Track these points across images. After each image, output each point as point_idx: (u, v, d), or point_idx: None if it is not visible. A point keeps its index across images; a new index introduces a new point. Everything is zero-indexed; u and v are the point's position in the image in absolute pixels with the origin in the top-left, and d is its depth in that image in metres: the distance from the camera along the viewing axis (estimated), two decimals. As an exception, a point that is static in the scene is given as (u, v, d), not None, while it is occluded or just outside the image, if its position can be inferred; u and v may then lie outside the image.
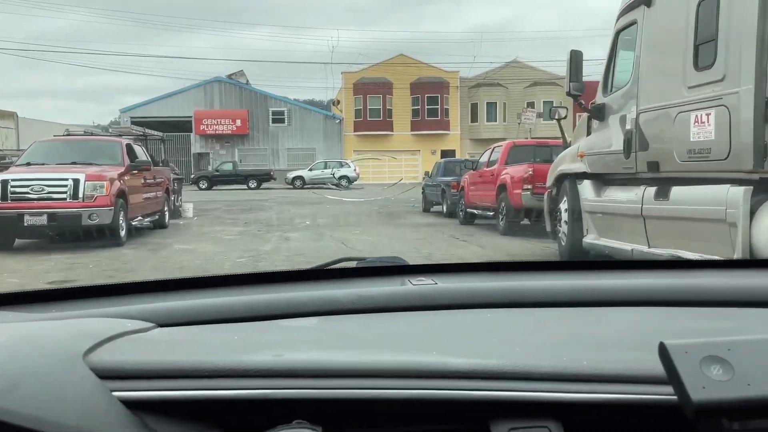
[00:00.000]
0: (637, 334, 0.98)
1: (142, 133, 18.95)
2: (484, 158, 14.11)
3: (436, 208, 19.79)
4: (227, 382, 0.78)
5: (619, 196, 6.68)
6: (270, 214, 18.87)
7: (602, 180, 7.24)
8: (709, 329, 0.99)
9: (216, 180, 36.29)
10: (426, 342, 0.95)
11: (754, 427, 0.68)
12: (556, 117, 9.06)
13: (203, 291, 1.21)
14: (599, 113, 7.21)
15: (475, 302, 1.12)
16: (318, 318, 1.06)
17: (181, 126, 41.50)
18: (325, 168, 37.22)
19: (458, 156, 42.54)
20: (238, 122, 41.87)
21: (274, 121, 42.85)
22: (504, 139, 44.07)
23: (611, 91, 7.07)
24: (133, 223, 11.19)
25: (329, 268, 1.39)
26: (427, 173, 20.40)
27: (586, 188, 7.38)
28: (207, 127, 41.74)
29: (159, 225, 13.24)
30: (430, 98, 42.49)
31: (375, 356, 0.86)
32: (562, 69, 14.28)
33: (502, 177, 12.03)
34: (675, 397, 0.68)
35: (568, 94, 7.21)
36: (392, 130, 42.87)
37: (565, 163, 8.19)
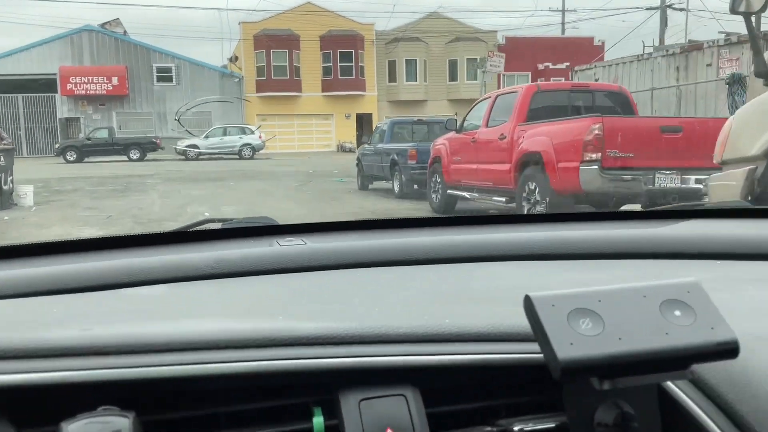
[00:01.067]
0: (508, 290, 0.92)
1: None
2: (478, 114, 9.35)
3: (378, 184, 15.11)
4: (16, 364, 0.68)
5: None
6: (151, 199, 13.47)
7: None
8: (582, 282, 0.91)
9: (88, 150, 29.95)
10: (280, 307, 0.89)
11: (625, 385, 0.63)
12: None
13: (39, 259, 1.09)
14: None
15: (346, 262, 1.07)
16: (168, 285, 0.99)
17: (43, 86, 34.52)
18: (224, 135, 31.58)
19: (375, 120, 38.01)
20: (115, 80, 35.05)
21: (160, 79, 36.31)
22: (425, 102, 39.90)
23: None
24: None
25: (190, 230, 1.29)
26: (366, 138, 15.59)
27: None
28: (76, 87, 34.73)
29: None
30: (342, 54, 37.34)
31: (208, 325, 0.77)
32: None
33: (531, 142, 7.46)
34: (541, 354, 0.63)
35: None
36: (301, 91, 37.50)
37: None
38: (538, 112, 7.94)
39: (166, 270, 1.01)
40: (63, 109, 35.30)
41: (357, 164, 15.79)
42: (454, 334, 0.75)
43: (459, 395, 0.76)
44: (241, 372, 0.70)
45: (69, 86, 34.62)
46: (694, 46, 13.58)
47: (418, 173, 12.28)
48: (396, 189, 13.25)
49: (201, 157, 30.46)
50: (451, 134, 10.06)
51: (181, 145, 31.19)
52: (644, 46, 24.98)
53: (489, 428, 0.74)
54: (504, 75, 40.27)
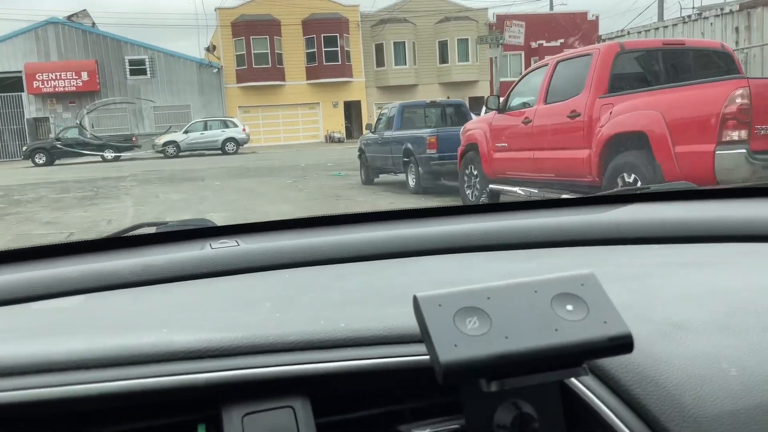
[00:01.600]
0: (427, 285, 0.83)
1: None
2: (528, 88, 7.38)
3: (385, 177, 13.22)
4: None
5: None
6: (124, 208, 11.45)
7: None
8: (513, 273, 0.93)
9: (58, 152, 27.83)
10: (183, 316, 0.85)
11: (513, 386, 0.60)
12: None
13: None
14: None
15: (277, 262, 1.05)
16: (85, 296, 0.96)
17: (8, 85, 32.16)
18: (205, 129, 29.43)
19: (364, 108, 36.04)
20: (85, 76, 32.69)
21: (133, 72, 33.96)
22: (415, 87, 37.78)
23: None
24: None
25: (121, 236, 1.26)
26: (369, 126, 13.65)
27: None
28: (43, 84, 32.38)
29: None
30: (327, 39, 35.20)
31: (80, 343, 0.72)
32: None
33: (625, 119, 5.55)
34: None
35: None
36: (284, 80, 35.33)
37: None
38: (620, 79, 6.04)
39: (88, 279, 0.98)
40: (31, 109, 32.97)
41: (359, 155, 13.86)
42: (347, 339, 0.72)
43: (358, 402, 0.72)
44: (107, 393, 0.66)
45: (36, 84, 32.28)
46: (759, 2, 11.72)
47: (438, 164, 10.39)
48: (411, 183, 11.36)
49: (181, 154, 28.45)
50: (490, 115, 8.13)
51: (160, 141, 29.02)
52: (682, 8, 22.95)
53: None
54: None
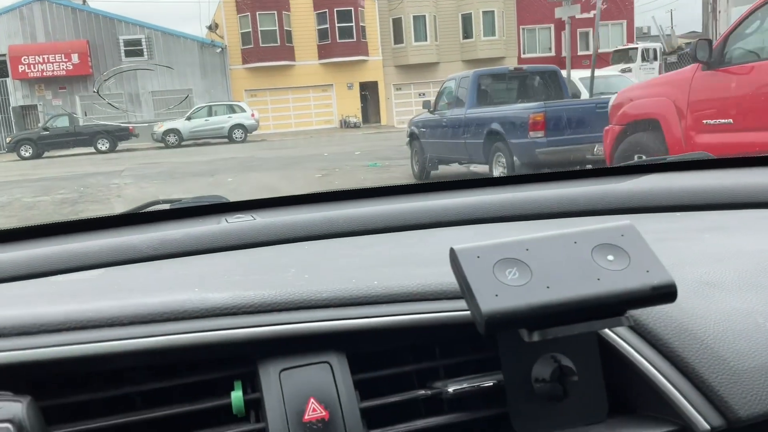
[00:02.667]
0: (443, 253, 0.84)
1: None
2: (755, 37, 4.44)
3: (445, 169, 10.33)
4: None
5: None
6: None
7: None
8: None
9: (46, 143, 24.92)
10: (210, 282, 0.84)
11: (556, 336, 0.60)
12: None
13: None
14: None
15: (294, 236, 1.06)
16: (104, 270, 0.96)
17: (-9, 69, 29.10)
18: (210, 115, 26.41)
19: (382, 89, 33.01)
20: (75, 58, 29.57)
21: (129, 54, 30.76)
22: (436, 65, 34.68)
23: None
24: None
25: (137, 213, 1.27)
26: (426, 104, 10.67)
27: None
28: (29, 68, 29.38)
29: None
30: (340, 14, 32.06)
31: (114, 303, 0.72)
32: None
33: None
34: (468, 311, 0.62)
35: None
36: (294, 59, 32.22)
37: None
38: None
39: (107, 253, 0.98)
40: (17, 96, 30.02)
41: (409, 142, 10.95)
42: (381, 296, 0.72)
43: (393, 359, 0.73)
44: (144, 348, 0.66)
45: (21, 68, 29.27)
46: None
47: (548, 152, 7.45)
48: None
49: (184, 143, 25.50)
50: (681, 73, 5.18)
51: (159, 130, 26.02)
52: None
53: (423, 391, 0.71)
54: (523, 29, 35.81)
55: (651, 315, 0.69)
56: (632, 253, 0.62)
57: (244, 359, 0.68)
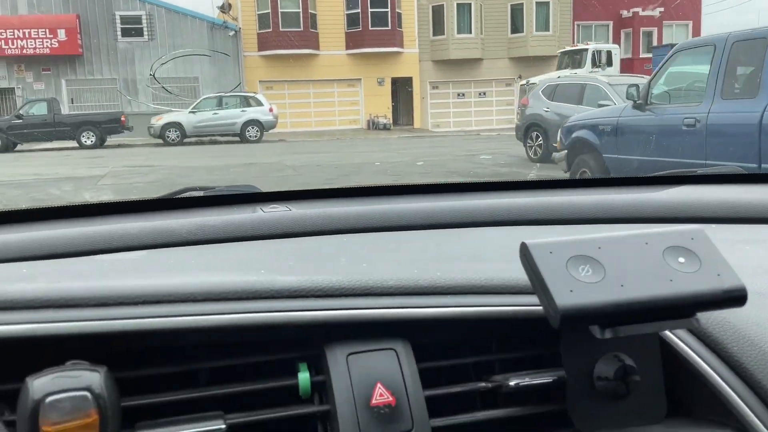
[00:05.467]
0: (497, 250, 0.90)
1: None
2: None
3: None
4: None
5: None
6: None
7: None
8: None
9: (21, 134, 20.60)
10: (263, 267, 0.85)
11: (627, 334, 0.62)
12: None
13: (10, 227, 1.08)
14: None
15: (331, 227, 1.07)
16: (146, 251, 0.98)
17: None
18: (220, 108, 22.07)
19: (417, 86, 28.72)
20: (62, 35, 25.20)
21: (126, 33, 26.39)
22: (480, 61, 29.94)
23: None
24: None
25: (173, 198, 1.30)
26: (631, 95, 6.32)
27: None
28: (7, 44, 25.07)
29: None
30: (373, -2, 27.74)
31: (184, 280, 0.73)
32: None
33: None
34: (538, 306, 0.63)
35: None
36: (318, 48, 27.93)
37: None
38: None
39: (146, 236, 1.00)
40: (-7, 77, 25.65)
41: (568, 151, 6.70)
42: (446, 287, 0.73)
43: (452, 350, 0.75)
44: (219, 325, 0.67)
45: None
46: None
47: None
48: None
49: (186, 140, 21.19)
50: None
51: (157, 123, 21.60)
52: None
53: (483, 384, 0.72)
54: (578, 25, 31.77)
55: (710, 320, 0.70)
56: (703, 257, 0.63)
57: (307, 342, 0.69)
